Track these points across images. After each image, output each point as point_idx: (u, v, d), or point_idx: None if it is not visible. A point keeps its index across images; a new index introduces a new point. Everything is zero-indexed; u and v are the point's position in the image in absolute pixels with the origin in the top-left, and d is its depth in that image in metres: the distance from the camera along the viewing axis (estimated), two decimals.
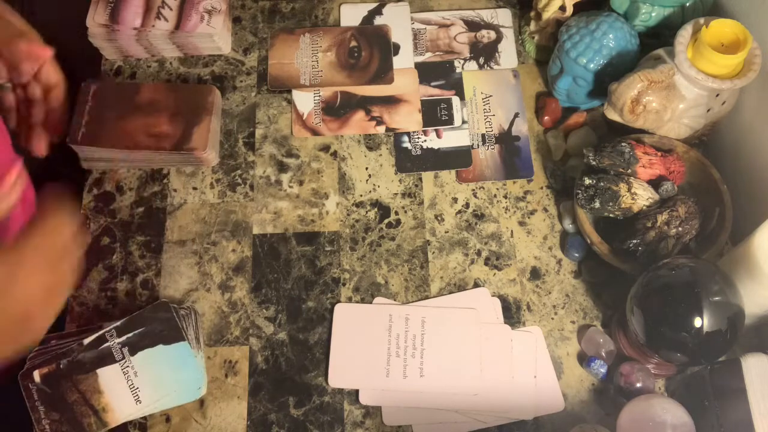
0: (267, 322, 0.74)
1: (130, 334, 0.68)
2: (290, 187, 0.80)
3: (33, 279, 0.55)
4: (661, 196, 0.72)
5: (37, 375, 0.66)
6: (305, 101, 0.85)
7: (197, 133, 0.78)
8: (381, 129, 0.83)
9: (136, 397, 0.66)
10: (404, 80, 0.86)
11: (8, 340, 0.55)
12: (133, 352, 0.67)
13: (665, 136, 0.75)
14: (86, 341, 0.67)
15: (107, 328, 0.68)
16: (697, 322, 0.60)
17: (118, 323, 0.68)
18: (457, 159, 0.82)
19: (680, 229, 0.70)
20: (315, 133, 0.83)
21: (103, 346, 0.67)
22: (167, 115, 0.80)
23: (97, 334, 0.68)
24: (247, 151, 0.82)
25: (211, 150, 0.79)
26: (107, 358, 0.67)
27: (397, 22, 0.89)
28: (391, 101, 0.85)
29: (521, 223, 0.79)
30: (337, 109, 0.84)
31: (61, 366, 0.66)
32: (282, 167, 0.81)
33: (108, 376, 0.67)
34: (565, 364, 0.72)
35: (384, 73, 0.86)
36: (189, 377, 0.68)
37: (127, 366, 0.67)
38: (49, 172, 0.68)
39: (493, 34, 0.89)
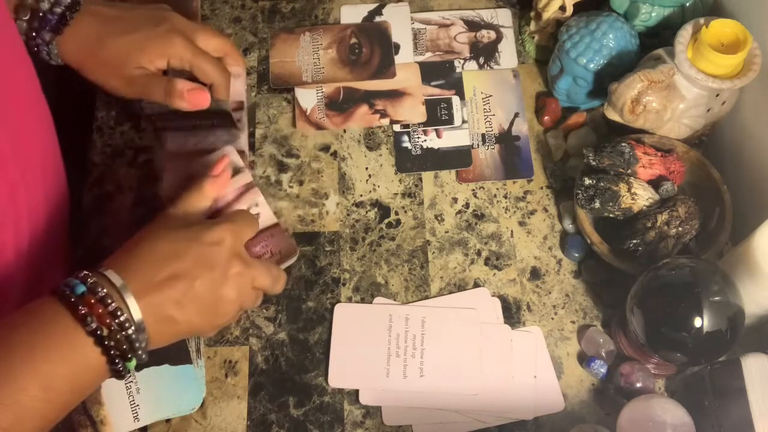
0: (267, 322, 0.74)
1: None
2: (290, 187, 0.80)
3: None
4: (661, 196, 0.72)
5: None
6: (308, 97, 0.85)
7: None
8: (385, 121, 0.83)
9: (135, 415, 0.66)
10: (406, 74, 0.86)
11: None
12: (138, 368, 0.67)
13: (665, 136, 0.75)
14: None
15: None
16: (697, 322, 0.60)
17: None
18: (457, 159, 0.82)
19: (680, 229, 0.70)
20: (319, 127, 0.83)
21: None
22: None
23: None
24: (247, 151, 0.82)
25: None
26: None
27: (397, 22, 0.89)
28: (395, 95, 0.85)
29: (521, 223, 0.79)
30: (341, 104, 0.84)
31: None
32: (282, 167, 0.81)
33: (111, 389, 0.66)
34: (565, 364, 0.72)
35: (386, 68, 0.86)
36: (188, 399, 0.68)
37: (131, 381, 0.66)
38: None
39: (493, 34, 0.89)
